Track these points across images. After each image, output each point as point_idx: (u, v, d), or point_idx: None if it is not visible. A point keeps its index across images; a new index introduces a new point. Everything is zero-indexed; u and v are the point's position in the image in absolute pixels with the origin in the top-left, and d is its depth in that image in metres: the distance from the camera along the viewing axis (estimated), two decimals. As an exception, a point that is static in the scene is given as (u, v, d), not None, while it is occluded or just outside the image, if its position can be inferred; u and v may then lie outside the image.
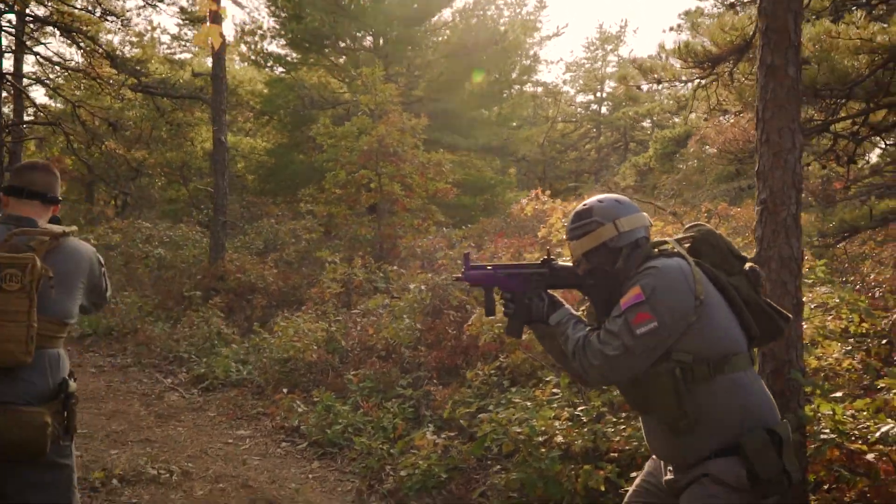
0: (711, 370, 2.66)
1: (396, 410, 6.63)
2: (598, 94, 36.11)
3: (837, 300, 5.28)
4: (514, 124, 24.94)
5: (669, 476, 2.81)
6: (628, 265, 2.86)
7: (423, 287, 7.87)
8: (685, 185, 21.07)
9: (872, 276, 9.86)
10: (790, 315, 2.94)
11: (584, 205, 2.99)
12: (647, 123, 32.81)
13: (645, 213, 2.97)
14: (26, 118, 17.90)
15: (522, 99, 24.20)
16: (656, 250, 2.86)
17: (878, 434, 3.68)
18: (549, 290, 3.04)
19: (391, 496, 5.45)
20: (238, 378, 8.52)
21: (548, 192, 7.61)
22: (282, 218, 18.09)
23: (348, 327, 8.35)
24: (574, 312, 2.96)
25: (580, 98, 38.16)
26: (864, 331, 5.13)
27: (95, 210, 21.06)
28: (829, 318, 5.24)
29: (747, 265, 2.87)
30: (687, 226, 3.03)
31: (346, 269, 10.79)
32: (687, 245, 2.90)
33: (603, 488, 4.53)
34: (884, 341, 6.95)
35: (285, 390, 7.73)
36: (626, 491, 4.51)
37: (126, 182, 21.87)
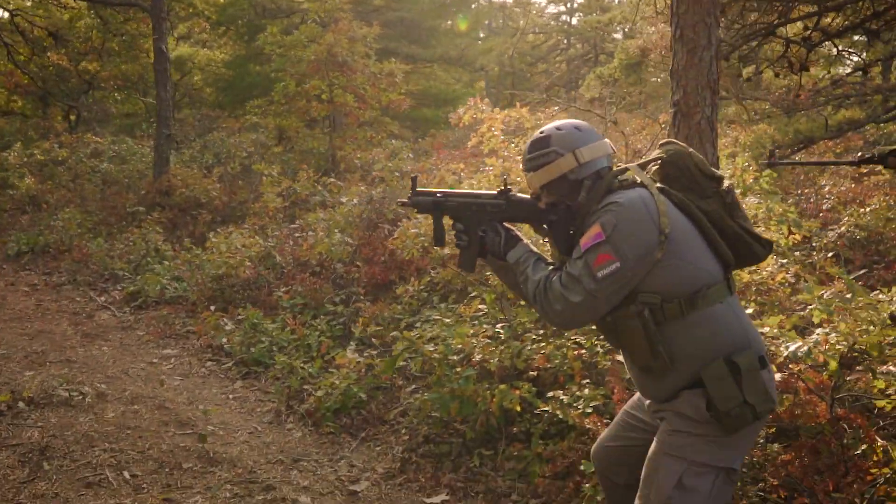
0: (683, 308, 2.49)
1: (325, 328, 6.41)
2: (569, 5, 35.25)
3: (766, 211, 5.05)
4: (482, 35, 24.31)
5: (648, 402, 2.69)
6: (591, 198, 2.61)
7: (355, 200, 7.57)
8: (651, 97, 20.64)
9: (827, 189, 9.68)
10: (771, 240, 2.71)
11: (541, 132, 2.72)
12: (619, 35, 32.11)
13: (607, 140, 2.71)
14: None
15: (489, 9, 23.50)
16: (617, 181, 2.60)
17: (785, 353, 3.49)
18: (505, 224, 2.82)
19: (309, 417, 5.27)
20: (172, 296, 8.26)
21: (486, 101, 7.22)
22: (236, 131, 17.59)
23: (282, 242, 8.06)
24: (533, 249, 2.75)
25: (551, 9, 37.31)
26: (790, 244, 4.90)
27: (46, 125, 20.35)
28: (760, 230, 5.01)
29: (725, 184, 2.63)
30: (660, 143, 2.73)
31: (289, 183, 10.47)
32: (655, 168, 2.66)
33: (518, 408, 4.36)
34: (830, 254, 6.80)
35: (213, 308, 7.49)
36: (543, 412, 4.36)
37: (78, 95, 21.11)
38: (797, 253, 6.66)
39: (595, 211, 2.53)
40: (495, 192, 2.83)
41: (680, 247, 2.49)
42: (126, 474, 4.41)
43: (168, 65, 12.35)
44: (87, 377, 6.00)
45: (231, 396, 5.81)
